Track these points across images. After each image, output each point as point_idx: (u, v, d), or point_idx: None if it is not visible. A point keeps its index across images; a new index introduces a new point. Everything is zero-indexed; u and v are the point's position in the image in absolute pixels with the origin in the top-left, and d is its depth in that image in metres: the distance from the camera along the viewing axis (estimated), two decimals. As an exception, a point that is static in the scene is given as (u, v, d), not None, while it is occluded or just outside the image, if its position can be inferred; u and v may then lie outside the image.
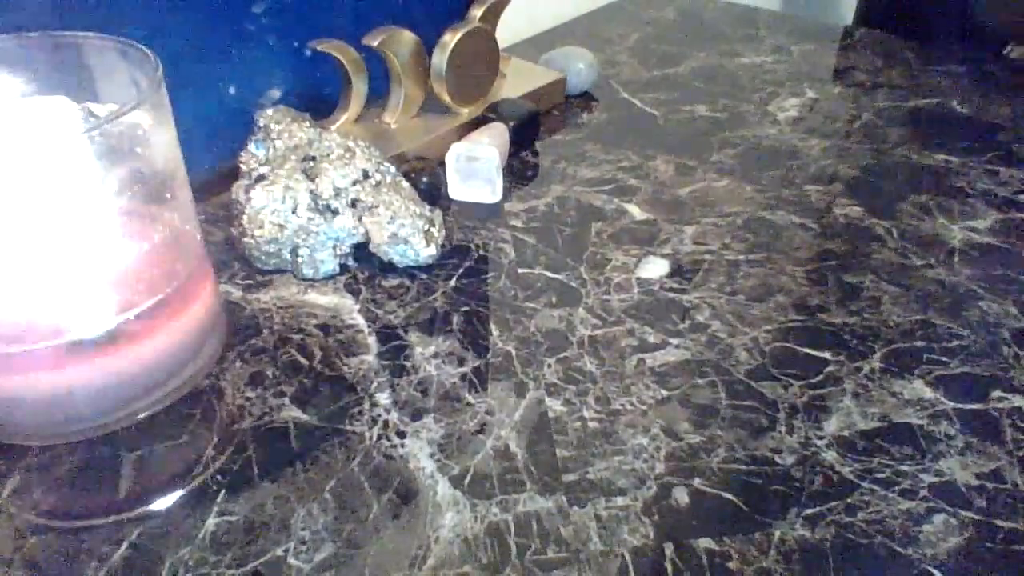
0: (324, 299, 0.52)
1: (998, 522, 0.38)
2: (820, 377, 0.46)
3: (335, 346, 0.48)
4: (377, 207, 0.52)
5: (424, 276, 0.54)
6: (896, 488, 0.40)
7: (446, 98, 0.66)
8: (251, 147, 0.53)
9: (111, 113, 0.35)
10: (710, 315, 0.51)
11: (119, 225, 0.39)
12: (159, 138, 0.40)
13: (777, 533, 0.38)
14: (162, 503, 0.39)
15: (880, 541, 0.37)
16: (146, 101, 0.37)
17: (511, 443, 0.42)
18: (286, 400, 0.44)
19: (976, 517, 0.38)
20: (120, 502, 0.39)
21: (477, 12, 0.67)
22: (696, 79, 0.81)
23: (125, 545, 0.37)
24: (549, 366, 0.47)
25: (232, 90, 0.63)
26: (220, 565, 0.36)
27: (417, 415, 0.44)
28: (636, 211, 0.60)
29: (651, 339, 0.49)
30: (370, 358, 0.47)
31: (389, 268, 0.54)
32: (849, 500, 0.39)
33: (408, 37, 0.63)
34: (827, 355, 0.48)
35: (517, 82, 0.73)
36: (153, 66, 0.39)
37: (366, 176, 0.53)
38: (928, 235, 0.58)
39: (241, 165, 0.53)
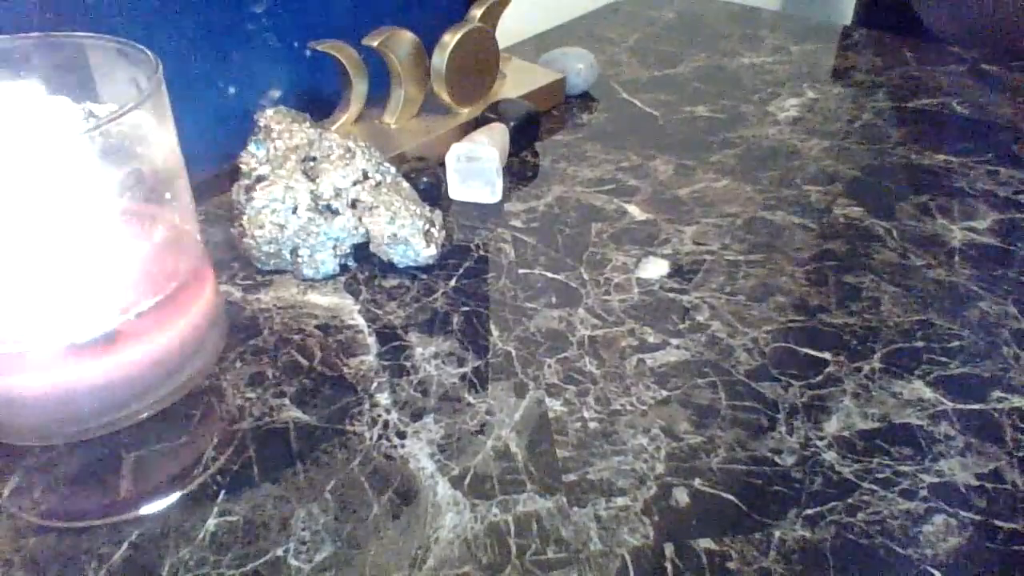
0: (324, 299, 0.52)
1: (998, 522, 0.38)
2: (820, 377, 0.46)
3: (335, 346, 0.48)
4: (377, 207, 0.52)
5: (424, 276, 0.54)
6: (896, 488, 0.40)
7: (446, 98, 0.66)
8: (251, 147, 0.53)
9: (111, 113, 0.35)
10: (710, 315, 0.51)
11: (119, 225, 0.39)
12: (159, 138, 0.40)
13: (777, 533, 0.38)
14: (162, 503, 0.39)
15: (880, 541, 0.37)
16: (146, 101, 0.37)
17: (511, 443, 0.42)
18: (286, 400, 0.44)
19: (976, 517, 0.38)
20: (120, 502, 0.39)
21: (477, 12, 0.67)
22: (696, 79, 0.81)
23: (125, 545, 0.37)
24: (549, 366, 0.47)
25: (232, 90, 0.63)
26: (220, 565, 0.36)
27: (417, 415, 0.44)
28: (636, 211, 0.61)
29: (651, 339, 0.49)
30: (370, 358, 0.47)
31: (389, 268, 0.54)
32: (849, 500, 0.39)
33: (408, 37, 0.63)
34: (827, 355, 0.48)
35: (517, 82, 0.73)
36: (153, 66, 0.39)
37: (366, 176, 0.53)
38: (928, 235, 0.58)
39: (241, 165, 0.53)
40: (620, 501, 0.39)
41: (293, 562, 0.36)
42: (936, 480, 0.40)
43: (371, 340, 0.49)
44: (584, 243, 0.57)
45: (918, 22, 1.01)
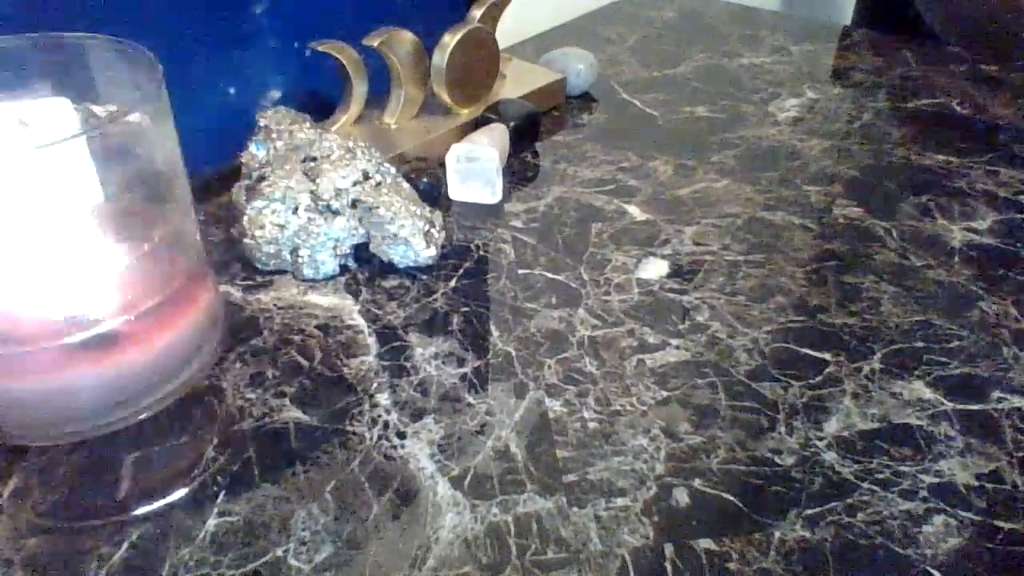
0: (324, 300, 0.52)
1: (998, 522, 0.38)
2: (820, 378, 0.46)
3: (335, 347, 0.48)
4: (377, 208, 0.52)
5: (424, 277, 0.54)
6: (896, 488, 0.40)
7: (446, 98, 0.66)
8: (251, 148, 0.54)
9: (111, 114, 0.35)
10: (710, 316, 0.51)
11: (119, 226, 0.39)
12: (159, 138, 0.40)
13: (777, 533, 0.38)
14: (162, 503, 0.39)
15: (880, 542, 0.37)
16: (146, 102, 0.37)
17: (511, 444, 0.42)
18: (286, 401, 0.44)
19: (976, 517, 0.38)
20: (120, 502, 0.39)
21: (477, 12, 0.67)
22: (696, 79, 0.81)
23: (125, 545, 0.37)
24: (549, 367, 0.47)
25: (232, 90, 0.63)
26: (220, 565, 0.36)
27: (417, 415, 0.44)
28: (636, 211, 0.61)
29: (651, 340, 0.49)
30: (370, 359, 0.47)
31: (389, 269, 0.54)
32: (849, 500, 0.39)
33: (408, 37, 0.63)
34: (827, 356, 0.48)
35: (517, 82, 0.73)
36: (153, 66, 0.39)
37: (366, 177, 0.53)
38: (928, 235, 0.58)
39: (242, 166, 0.54)
40: (620, 501, 0.39)
41: (293, 562, 0.36)
42: (936, 480, 0.40)
43: (371, 340, 0.49)
44: (584, 243, 0.57)
45: (918, 22, 1.01)
